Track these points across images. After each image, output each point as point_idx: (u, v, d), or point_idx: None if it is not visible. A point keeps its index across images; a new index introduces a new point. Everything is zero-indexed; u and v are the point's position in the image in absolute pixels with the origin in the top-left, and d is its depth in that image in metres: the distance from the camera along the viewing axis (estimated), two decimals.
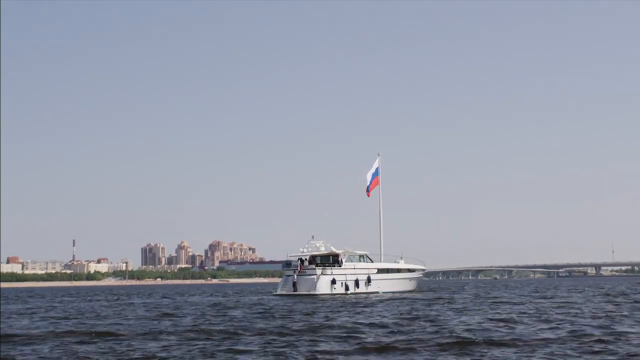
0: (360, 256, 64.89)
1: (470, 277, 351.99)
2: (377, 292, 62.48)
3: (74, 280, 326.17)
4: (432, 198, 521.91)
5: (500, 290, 73.61)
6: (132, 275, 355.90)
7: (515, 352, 17.69)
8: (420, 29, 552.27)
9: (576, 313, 31.17)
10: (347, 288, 60.74)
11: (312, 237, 64.11)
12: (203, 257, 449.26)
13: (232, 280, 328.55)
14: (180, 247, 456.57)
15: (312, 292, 58.78)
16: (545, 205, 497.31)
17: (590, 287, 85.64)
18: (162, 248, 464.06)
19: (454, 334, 21.65)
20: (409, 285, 68.69)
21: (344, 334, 22.37)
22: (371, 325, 25.85)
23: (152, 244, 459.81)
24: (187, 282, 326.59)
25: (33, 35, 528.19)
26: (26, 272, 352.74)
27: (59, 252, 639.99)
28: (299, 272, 60.74)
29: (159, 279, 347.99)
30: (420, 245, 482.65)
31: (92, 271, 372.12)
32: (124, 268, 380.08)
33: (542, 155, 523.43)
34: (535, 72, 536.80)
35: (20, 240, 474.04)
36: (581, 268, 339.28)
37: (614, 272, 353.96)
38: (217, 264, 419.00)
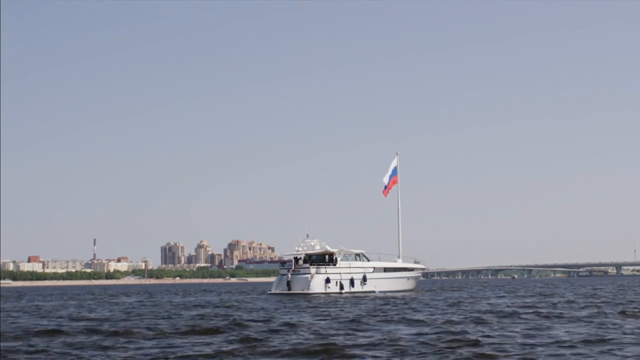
0: (357, 255, 64.24)
1: (489, 277, 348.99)
2: (374, 291, 61.86)
3: (93, 279, 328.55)
4: (451, 197, 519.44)
5: (495, 290, 72.60)
6: (151, 274, 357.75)
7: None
8: (441, 29, 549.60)
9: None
10: (341, 287, 60.10)
11: (307, 235, 63.64)
12: (222, 256, 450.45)
13: (251, 279, 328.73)
14: (199, 246, 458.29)
15: (305, 291, 58.27)
16: (566, 204, 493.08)
17: (572, 286, 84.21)
18: (181, 247, 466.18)
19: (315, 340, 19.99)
20: (406, 285, 67.89)
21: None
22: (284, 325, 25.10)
23: (172, 243, 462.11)
24: (206, 281, 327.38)
25: (60, 34, 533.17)
26: (47, 270, 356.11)
27: (80, 251, 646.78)
28: (293, 271, 60.25)
29: (177, 278, 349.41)
30: (439, 244, 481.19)
31: (112, 270, 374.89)
32: (143, 267, 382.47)
33: (563, 154, 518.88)
34: (553, 72, 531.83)
35: (42, 240, 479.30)
36: (602, 267, 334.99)
37: (635, 272, 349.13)
38: (236, 263, 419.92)
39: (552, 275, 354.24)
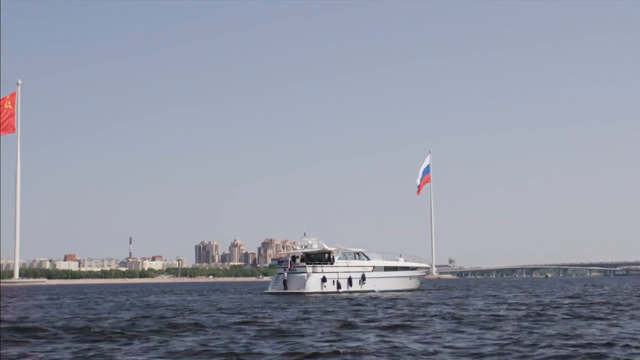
0: (356, 254, 63.53)
1: (524, 275, 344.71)
2: (373, 291, 61.06)
3: (127, 277, 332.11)
4: (486, 196, 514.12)
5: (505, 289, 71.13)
6: (185, 272, 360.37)
7: None
8: (474, 28, 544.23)
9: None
10: (339, 286, 59.38)
11: (304, 234, 63.15)
12: (256, 255, 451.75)
13: None
14: (233, 245, 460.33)
15: (301, 291, 57.71)
16: (603, 203, 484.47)
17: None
18: (215, 246, 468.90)
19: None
20: (408, 284, 66.84)
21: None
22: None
23: (206, 242, 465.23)
24: (239, 279, 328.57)
25: (87, 33, 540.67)
26: (82, 269, 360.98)
27: (116, 250, 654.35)
28: (290, 269, 59.76)
29: (210, 277, 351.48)
30: (474, 243, 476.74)
31: (146, 269, 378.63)
32: (178, 265, 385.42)
33: (600, 152, 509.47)
34: (588, 70, 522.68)
35: (78, 238, 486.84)
36: (639, 267, 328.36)
37: None
38: (269, 261, 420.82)
39: (588, 274, 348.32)
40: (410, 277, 67.62)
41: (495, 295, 53.11)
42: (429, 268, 73.38)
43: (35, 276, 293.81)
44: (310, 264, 59.80)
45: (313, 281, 58.36)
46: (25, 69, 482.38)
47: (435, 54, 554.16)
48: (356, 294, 55.74)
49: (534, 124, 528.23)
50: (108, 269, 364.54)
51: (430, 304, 39.26)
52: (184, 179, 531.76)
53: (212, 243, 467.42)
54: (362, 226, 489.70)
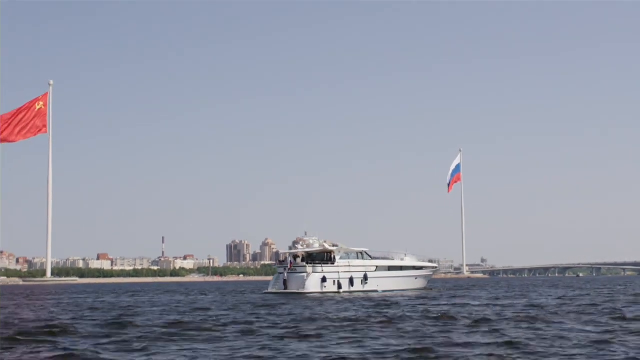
0: (358, 253, 62.71)
1: (557, 275, 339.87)
2: (376, 291, 60.19)
3: (159, 276, 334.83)
4: (518, 194, 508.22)
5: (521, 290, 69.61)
6: (216, 271, 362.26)
7: None
8: (505, 28, 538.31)
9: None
10: (340, 286, 58.54)
11: (305, 233, 62.50)
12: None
13: None
14: (264, 244, 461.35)
15: (301, 290, 57.03)
16: (638, 200, 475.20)
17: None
18: (246, 245, 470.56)
19: None
20: (414, 284, 65.74)
21: None
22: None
23: (237, 241, 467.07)
24: (269, 278, 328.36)
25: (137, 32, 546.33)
26: (115, 268, 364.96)
27: (149, 249, 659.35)
28: (289, 269, 59.15)
29: (241, 276, 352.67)
30: (506, 241, 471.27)
31: (177, 268, 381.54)
32: (209, 265, 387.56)
33: (636, 148, 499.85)
34: (622, 67, 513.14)
35: (112, 238, 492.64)
36: None
37: None
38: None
39: (622, 273, 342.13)
40: (416, 277, 66.55)
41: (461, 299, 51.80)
42: (436, 268, 72.19)
43: (67, 275, 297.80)
44: (311, 263, 59.17)
45: (313, 281, 57.59)
46: (57, 69, 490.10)
47: (466, 54, 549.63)
48: (358, 295, 55.01)
49: (566, 122, 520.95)
50: (140, 268, 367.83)
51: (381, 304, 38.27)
52: (216, 178, 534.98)
53: (243, 242, 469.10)
54: (392, 226, 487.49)
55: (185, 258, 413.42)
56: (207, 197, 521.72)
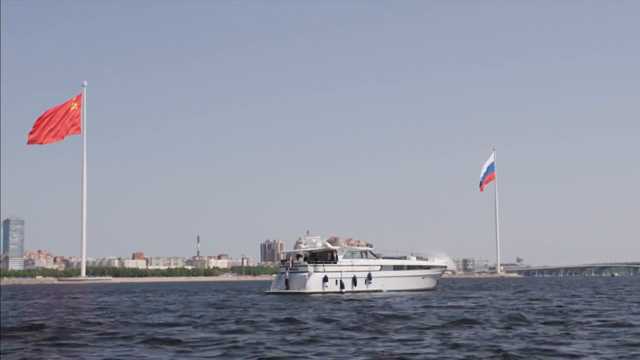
0: (362, 252, 61.68)
1: (593, 274, 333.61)
2: (381, 291, 59.12)
3: (192, 275, 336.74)
4: (554, 193, 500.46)
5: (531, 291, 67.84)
6: (249, 271, 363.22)
7: None
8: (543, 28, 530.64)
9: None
10: (342, 286, 57.50)
11: (307, 232, 61.62)
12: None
13: None
14: (298, 243, 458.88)
15: (302, 290, 56.17)
16: None
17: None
18: (280, 244, 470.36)
19: None
20: (421, 284, 64.38)
21: None
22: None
23: (271, 241, 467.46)
24: None
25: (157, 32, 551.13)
26: (149, 267, 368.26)
27: (184, 249, 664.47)
28: (291, 269, 58.34)
29: (274, 275, 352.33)
30: (542, 241, 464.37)
31: (211, 267, 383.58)
32: (242, 264, 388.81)
33: None
34: None
35: (147, 237, 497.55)
36: None
37: None
38: None
39: None
40: (424, 277, 65.18)
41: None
42: (446, 267, 70.61)
43: (102, 274, 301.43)
44: (313, 263, 58.31)
45: (314, 281, 56.66)
46: (91, 70, 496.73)
47: (503, 53, 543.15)
48: (361, 294, 54.05)
49: (604, 122, 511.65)
50: (174, 267, 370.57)
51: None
52: (251, 178, 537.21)
53: (277, 242, 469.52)
54: (427, 225, 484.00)
55: (219, 257, 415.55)
56: (243, 197, 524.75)
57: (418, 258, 66.37)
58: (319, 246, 59.99)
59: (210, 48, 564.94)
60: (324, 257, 59.48)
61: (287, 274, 58.14)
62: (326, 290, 56.53)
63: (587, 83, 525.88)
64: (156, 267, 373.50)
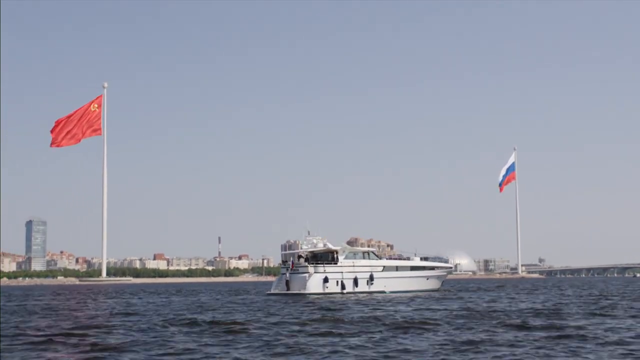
0: (364, 253, 61.31)
1: (615, 275, 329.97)
2: (384, 292, 58.69)
3: (212, 276, 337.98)
4: (576, 192, 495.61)
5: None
6: (269, 271, 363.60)
7: None
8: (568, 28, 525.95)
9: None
10: (343, 287, 57.20)
11: (308, 232, 61.40)
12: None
13: None
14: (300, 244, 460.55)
15: (302, 291, 55.94)
16: None
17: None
18: (300, 245, 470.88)
19: None
20: (425, 285, 63.73)
21: None
22: None
23: (292, 241, 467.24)
24: None
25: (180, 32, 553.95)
26: (170, 268, 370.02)
27: (205, 249, 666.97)
28: (292, 269, 58.14)
29: None
30: (564, 241, 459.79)
31: (232, 267, 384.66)
32: (264, 264, 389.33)
33: None
34: None
35: (169, 238, 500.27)
36: None
37: None
38: None
39: None
40: (428, 277, 64.54)
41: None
42: (451, 268, 70.04)
43: (123, 275, 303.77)
44: (314, 263, 58.05)
45: (314, 282, 56.40)
46: (111, 71, 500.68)
47: (525, 53, 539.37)
48: (363, 295, 53.74)
49: (627, 122, 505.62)
50: (195, 267, 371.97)
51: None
52: (271, 178, 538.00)
53: (297, 242, 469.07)
54: (449, 226, 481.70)
55: (240, 258, 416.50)
56: (263, 197, 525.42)
57: (422, 259, 65.79)
58: (320, 247, 59.72)
59: (233, 48, 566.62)
60: (325, 257, 59.23)
61: (288, 274, 58.01)
62: (327, 291, 56.27)
63: (610, 83, 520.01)
64: (177, 267, 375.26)
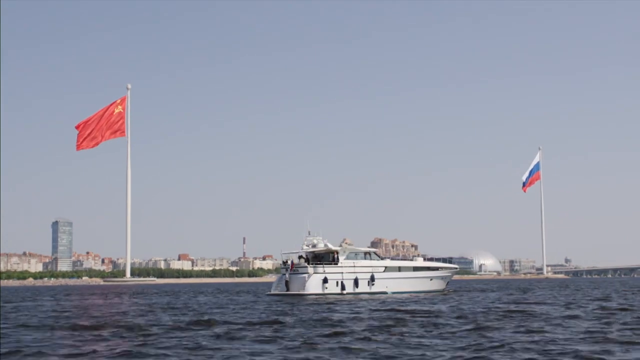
0: (366, 253, 60.85)
1: None
2: (385, 292, 58.27)
3: (236, 276, 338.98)
4: (602, 192, 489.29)
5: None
6: None
7: None
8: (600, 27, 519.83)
9: None
10: (343, 287, 56.83)
11: (309, 232, 61.09)
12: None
13: None
14: (342, 244, 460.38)
15: (301, 292, 55.70)
16: None
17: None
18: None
19: None
20: (429, 285, 62.99)
21: None
22: None
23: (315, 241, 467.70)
24: None
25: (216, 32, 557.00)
26: (194, 268, 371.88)
27: (230, 250, 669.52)
28: (291, 270, 57.95)
29: None
30: (590, 241, 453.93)
31: (256, 268, 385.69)
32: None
33: None
34: None
35: (194, 238, 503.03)
36: None
37: None
38: None
39: None
40: (431, 278, 63.87)
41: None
42: (456, 269, 69.25)
43: (147, 275, 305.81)
44: (315, 264, 57.79)
45: (313, 282, 56.09)
46: (134, 72, 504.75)
47: (550, 53, 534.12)
48: (363, 296, 53.42)
49: None
50: (219, 268, 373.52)
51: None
52: (296, 178, 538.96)
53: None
54: (472, 227, 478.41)
55: (264, 258, 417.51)
56: (288, 197, 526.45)
57: (426, 259, 65.28)
58: (321, 247, 59.43)
59: (256, 48, 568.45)
60: (326, 258, 58.94)
61: (288, 275, 57.84)
62: (326, 291, 55.97)
63: (634, 81, 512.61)
64: (201, 268, 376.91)
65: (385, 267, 60.61)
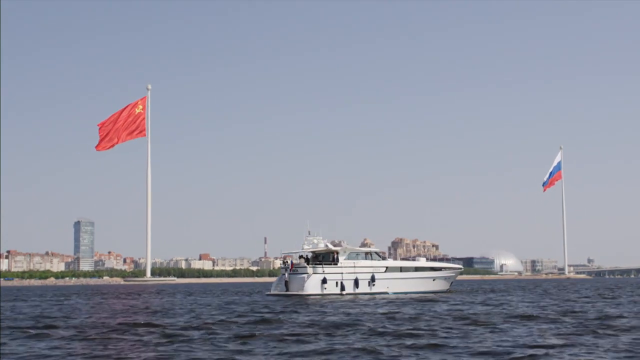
0: (367, 254, 60.60)
1: None
2: (386, 293, 57.97)
3: (257, 276, 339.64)
4: (625, 192, 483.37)
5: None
6: None
7: None
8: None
9: None
10: (343, 288, 56.62)
11: (309, 232, 60.91)
12: (385, 254, 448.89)
13: None
14: (363, 244, 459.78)
15: (300, 292, 55.54)
16: None
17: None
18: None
19: None
20: (432, 285, 62.52)
21: None
22: None
23: (336, 242, 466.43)
24: None
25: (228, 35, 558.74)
26: (215, 268, 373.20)
27: (252, 250, 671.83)
28: (291, 270, 57.85)
29: None
30: (613, 241, 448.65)
31: (276, 267, 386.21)
32: None
33: None
34: None
35: (215, 238, 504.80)
36: None
37: None
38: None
39: None
40: (434, 278, 63.41)
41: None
42: (460, 269, 68.70)
43: (168, 275, 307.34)
44: (315, 264, 57.61)
45: (312, 282, 55.86)
46: (155, 73, 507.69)
47: (572, 53, 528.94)
48: (364, 296, 53.15)
49: None
50: (239, 268, 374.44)
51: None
52: (317, 179, 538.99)
53: (342, 243, 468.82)
54: (493, 227, 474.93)
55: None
56: (309, 197, 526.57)
57: (428, 260, 64.80)
58: (321, 247, 59.25)
59: (279, 50, 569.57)
60: (326, 258, 58.77)
61: (287, 275, 57.75)
62: (325, 292, 55.74)
63: None
64: (222, 268, 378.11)
65: (387, 267, 60.34)
